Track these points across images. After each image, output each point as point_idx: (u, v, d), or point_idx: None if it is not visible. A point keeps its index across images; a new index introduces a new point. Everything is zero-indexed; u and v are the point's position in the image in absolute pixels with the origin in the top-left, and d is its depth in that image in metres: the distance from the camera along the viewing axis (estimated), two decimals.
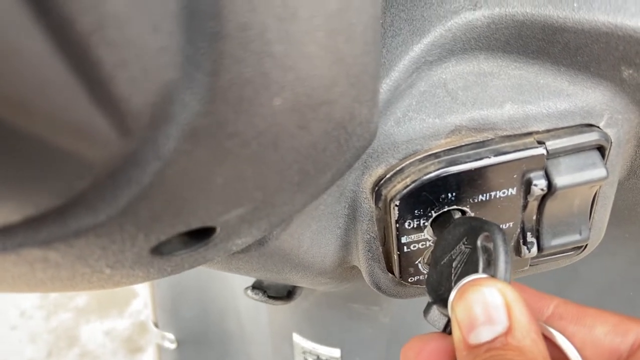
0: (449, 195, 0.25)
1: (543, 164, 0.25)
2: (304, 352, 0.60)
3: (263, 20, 0.12)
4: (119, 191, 0.14)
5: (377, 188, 0.26)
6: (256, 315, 0.65)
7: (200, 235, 0.19)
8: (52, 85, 0.10)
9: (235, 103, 0.13)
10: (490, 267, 0.22)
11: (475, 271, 0.22)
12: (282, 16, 0.12)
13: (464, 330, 0.21)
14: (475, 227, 0.23)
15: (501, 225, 0.27)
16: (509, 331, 0.20)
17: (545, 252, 0.29)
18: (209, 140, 0.14)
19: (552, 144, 0.25)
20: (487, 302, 0.20)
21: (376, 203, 0.27)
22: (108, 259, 0.17)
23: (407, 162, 0.25)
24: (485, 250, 0.22)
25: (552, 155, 0.25)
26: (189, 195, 0.15)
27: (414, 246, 0.28)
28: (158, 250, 0.18)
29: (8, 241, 0.14)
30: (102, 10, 0.10)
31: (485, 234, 0.22)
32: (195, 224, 0.17)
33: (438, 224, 0.26)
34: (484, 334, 0.20)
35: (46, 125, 0.11)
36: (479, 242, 0.22)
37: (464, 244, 0.23)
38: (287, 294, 0.44)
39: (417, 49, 0.25)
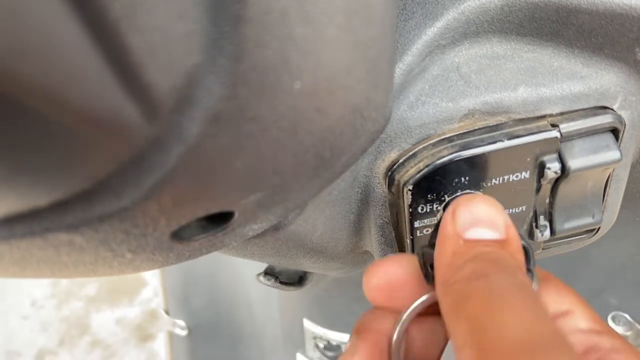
0: (462, 179, 0.26)
1: (557, 147, 0.25)
2: (315, 338, 0.61)
3: (285, 3, 0.12)
4: (144, 176, 0.14)
5: (390, 173, 0.26)
6: (267, 301, 0.66)
7: (219, 220, 0.19)
8: (85, 73, 0.10)
9: (257, 87, 0.13)
10: None
11: None
12: None
13: (461, 225, 0.21)
14: None
15: (514, 209, 0.27)
16: (504, 241, 0.21)
17: (558, 236, 0.29)
18: (230, 125, 0.14)
19: (566, 127, 0.25)
20: (491, 211, 0.21)
21: (389, 188, 0.27)
22: (130, 244, 0.17)
23: (420, 147, 0.25)
24: None
25: (565, 138, 0.25)
26: (210, 179, 0.16)
27: (427, 230, 0.28)
28: (178, 235, 0.18)
29: (36, 225, 0.14)
30: None
31: None
32: (215, 209, 0.18)
33: None
34: (483, 234, 0.21)
35: (77, 112, 0.11)
36: None
37: None
38: (298, 279, 0.44)
39: (430, 33, 0.25)
